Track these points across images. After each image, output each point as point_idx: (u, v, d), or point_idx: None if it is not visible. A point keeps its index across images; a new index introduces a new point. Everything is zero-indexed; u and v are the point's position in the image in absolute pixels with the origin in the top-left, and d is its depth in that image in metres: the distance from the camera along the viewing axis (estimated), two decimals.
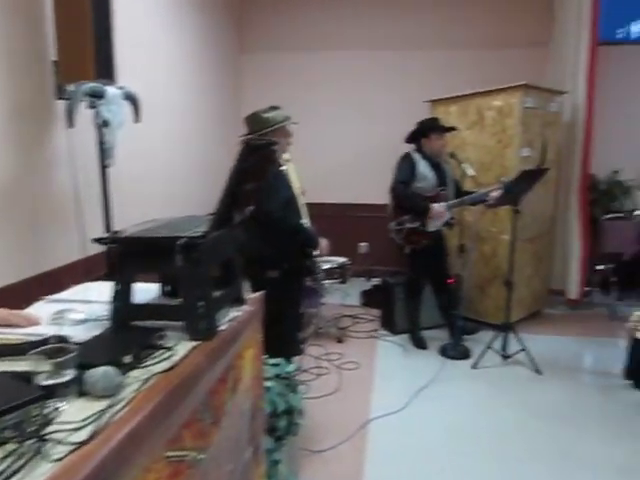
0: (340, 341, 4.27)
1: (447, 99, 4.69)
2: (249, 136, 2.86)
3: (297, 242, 2.90)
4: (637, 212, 5.17)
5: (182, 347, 1.23)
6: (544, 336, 4.39)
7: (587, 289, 5.11)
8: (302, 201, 3.08)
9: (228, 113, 5.54)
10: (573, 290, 5.02)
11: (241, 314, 1.51)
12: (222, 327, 1.37)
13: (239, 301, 1.58)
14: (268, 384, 2.16)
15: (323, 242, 3.07)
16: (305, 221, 3.06)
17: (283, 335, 2.97)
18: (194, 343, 1.26)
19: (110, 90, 2.53)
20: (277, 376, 2.24)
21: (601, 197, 5.28)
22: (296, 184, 3.07)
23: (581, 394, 3.41)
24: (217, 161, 4.80)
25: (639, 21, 5.75)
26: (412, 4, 5.77)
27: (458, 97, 4.60)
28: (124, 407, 0.97)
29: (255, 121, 2.88)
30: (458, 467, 2.63)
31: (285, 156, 3.06)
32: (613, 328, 4.40)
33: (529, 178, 3.80)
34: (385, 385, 3.52)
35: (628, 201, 5.38)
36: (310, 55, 5.97)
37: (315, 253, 3.02)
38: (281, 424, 2.16)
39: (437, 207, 3.85)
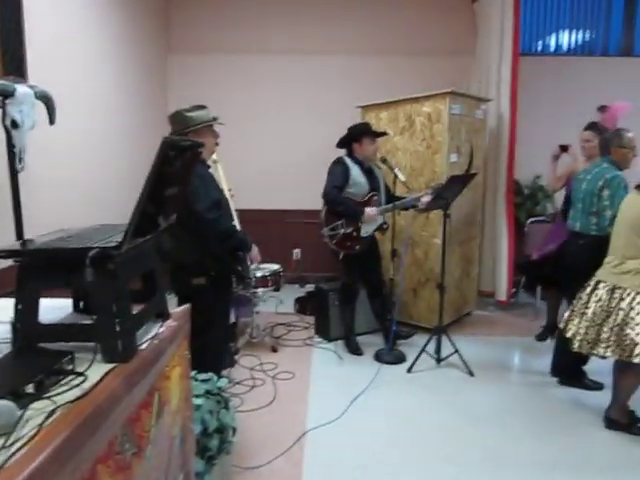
0: (275, 350, 4.17)
1: (378, 105, 4.71)
2: (171, 136, 2.71)
3: (227, 246, 2.77)
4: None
5: (96, 371, 1.10)
6: (475, 337, 4.49)
7: (514, 290, 5.27)
8: (231, 204, 2.97)
9: (154, 114, 5.32)
10: (502, 291, 5.17)
11: (165, 330, 1.39)
12: (143, 346, 1.24)
13: (162, 316, 1.45)
14: (198, 402, 2.03)
15: (254, 250, 2.97)
16: (236, 224, 2.95)
17: (212, 346, 2.84)
18: (110, 366, 1.13)
19: (20, 89, 2.31)
20: (208, 392, 2.12)
21: (525, 201, 5.49)
22: (225, 186, 2.96)
23: (511, 393, 3.49)
24: (143, 164, 4.57)
25: (555, 34, 6.06)
26: (343, 9, 5.80)
27: (388, 103, 4.63)
28: (23, 446, 0.84)
29: (178, 120, 2.72)
30: (395, 474, 2.60)
31: (213, 157, 2.94)
32: (539, 327, 4.55)
33: (458, 183, 3.87)
34: (321, 394, 3.45)
35: (549, 205, 5.63)
36: (241, 57, 5.85)
37: (247, 259, 2.90)
38: (213, 443, 2.03)
39: (370, 211, 3.84)
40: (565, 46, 6.07)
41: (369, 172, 4.01)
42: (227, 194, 2.97)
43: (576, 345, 3.02)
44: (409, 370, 3.79)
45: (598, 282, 2.99)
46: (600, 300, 2.93)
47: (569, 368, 3.55)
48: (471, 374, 3.72)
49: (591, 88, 5.61)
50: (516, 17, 4.91)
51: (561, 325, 3.18)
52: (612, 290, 2.88)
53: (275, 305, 5.23)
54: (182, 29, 5.84)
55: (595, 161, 3.55)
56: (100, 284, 1.11)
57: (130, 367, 1.16)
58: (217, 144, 2.92)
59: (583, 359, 3.35)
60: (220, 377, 2.46)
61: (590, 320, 2.95)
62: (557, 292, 4.33)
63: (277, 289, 4.08)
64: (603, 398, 3.20)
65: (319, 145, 5.20)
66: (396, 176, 3.89)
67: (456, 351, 3.83)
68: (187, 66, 5.86)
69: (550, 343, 4.33)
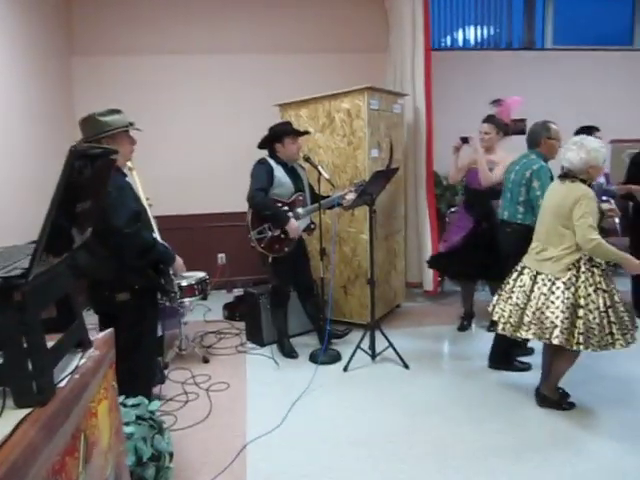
0: (206, 361, 4.00)
1: (297, 102, 4.65)
2: (84, 143, 2.48)
3: (150, 259, 2.59)
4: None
5: (7, 420, 0.95)
6: (407, 329, 4.54)
7: (440, 279, 5.40)
8: (150, 213, 2.78)
9: (60, 120, 4.96)
10: (428, 282, 5.28)
11: (87, 361, 1.24)
12: (62, 383, 1.10)
13: (83, 345, 1.30)
14: (129, 430, 1.88)
15: (178, 261, 2.80)
16: (156, 235, 2.77)
17: (141, 365, 2.66)
18: (24, 412, 0.98)
19: None
20: (139, 418, 1.96)
21: (445, 192, 5.64)
22: (142, 195, 2.77)
23: (446, 382, 3.55)
24: (52, 177, 4.24)
25: (462, 29, 6.26)
26: (257, 7, 5.67)
27: (307, 100, 4.57)
28: None
29: (90, 125, 2.48)
30: (342, 477, 2.55)
31: (128, 164, 2.75)
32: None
33: (382, 178, 3.88)
34: (259, 402, 3.35)
35: None
36: (151, 58, 5.57)
37: (170, 272, 2.73)
38: (149, 473, 1.88)
39: (293, 223, 3.77)
40: (472, 41, 6.30)
41: (293, 172, 3.94)
42: (145, 203, 2.78)
43: (500, 327, 3.11)
44: (345, 369, 3.76)
45: (523, 268, 3.09)
46: (524, 285, 3.02)
47: (500, 353, 3.66)
48: (406, 367, 3.75)
49: (498, 80, 5.85)
50: (426, 13, 5.02)
51: (489, 309, 3.26)
52: (535, 276, 2.98)
53: (203, 313, 5.05)
54: (87, 29, 5.47)
55: (525, 153, 3.60)
56: (5, 319, 0.96)
57: (49, 410, 1.01)
58: (132, 150, 2.73)
59: (515, 343, 3.44)
60: (151, 399, 2.31)
61: (514, 304, 3.04)
62: (470, 281, 4.47)
63: (204, 297, 3.91)
64: (533, 378, 3.33)
65: (240, 146, 5.05)
66: (320, 174, 3.84)
67: (390, 345, 3.84)
68: (95, 68, 5.49)
69: (475, 330, 4.49)
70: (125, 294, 2.55)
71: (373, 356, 3.88)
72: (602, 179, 4.85)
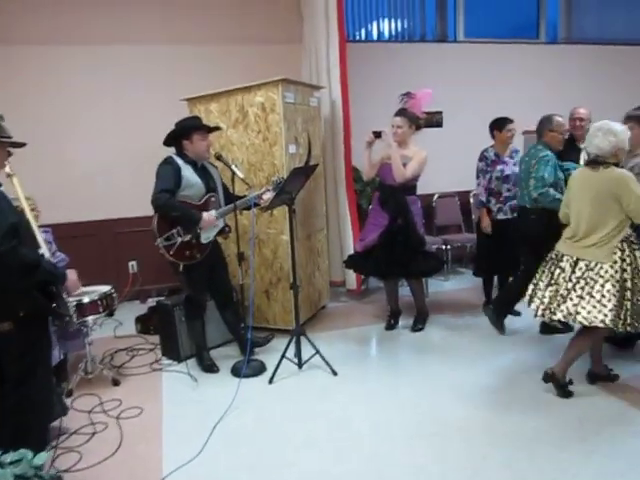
0: (117, 383, 3.61)
1: (206, 96, 4.32)
2: None
3: (34, 280, 2.20)
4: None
5: None
6: (333, 332, 4.38)
7: (363, 277, 5.27)
8: (35, 225, 2.39)
9: None
10: (352, 281, 5.14)
11: None
12: None
13: None
14: None
15: (71, 277, 2.43)
16: (43, 251, 2.37)
17: (33, 401, 2.29)
18: None
19: None
20: (19, 478, 1.61)
21: (365, 188, 5.51)
22: (24, 204, 2.38)
23: (374, 388, 3.39)
24: None
25: (377, 22, 6.17)
26: None
27: (218, 94, 4.26)
28: None
29: None
30: None
31: (6, 170, 2.35)
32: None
33: (301, 175, 3.67)
34: (176, 428, 3.03)
35: None
36: (46, 49, 5.00)
37: (62, 292, 2.35)
38: None
39: (207, 216, 3.48)
40: (387, 33, 6.21)
41: (204, 171, 3.63)
42: (28, 214, 2.38)
43: (539, 313, 3.10)
44: (271, 381, 3.52)
45: (562, 255, 3.08)
46: (564, 271, 3.02)
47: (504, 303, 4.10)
48: (334, 373, 3.57)
49: (414, 73, 5.80)
50: (340, 4, 4.85)
51: (526, 298, 3.22)
52: (575, 262, 2.98)
53: (113, 328, 4.63)
54: None
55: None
56: None
57: None
58: (10, 154, 2.34)
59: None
60: (47, 442, 1.96)
61: (554, 291, 3.03)
62: (393, 279, 4.35)
63: (111, 314, 3.52)
64: (470, 384, 3.25)
65: (146, 144, 4.65)
66: (234, 173, 3.56)
67: (317, 352, 3.65)
68: None
69: (400, 328, 4.38)
70: (7, 324, 2.17)
71: (300, 364, 3.67)
72: None
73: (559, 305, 2.97)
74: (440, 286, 5.51)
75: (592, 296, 2.87)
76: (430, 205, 6.04)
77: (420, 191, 4.30)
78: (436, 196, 6.14)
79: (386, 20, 6.17)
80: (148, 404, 3.31)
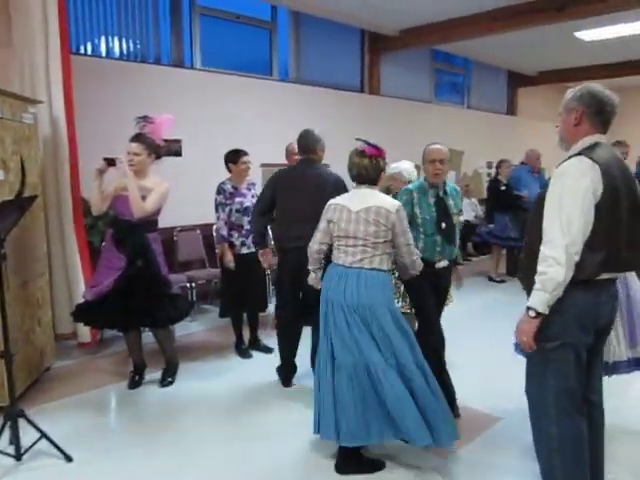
0: None
1: None
2: None
3: None
4: None
5: None
6: (63, 400, 3.56)
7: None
8: None
9: None
10: (84, 332, 4.34)
11: None
12: None
13: None
14: None
15: None
16: None
17: None
18: None
19: None
20: None
21: (96, 222, 4.74)
22: None
23: (121, 468, 2.79)
24: None
25: (105, 38, 5.52)
26: None
27: None
28: None
29: None
30: None
31: None
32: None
33: (13, 210, 2.87)
34: None
35: None
36: None
37: None
38: None
39: None
40: (117, 50, 5.60)
41: None
42: None
43: None
44: None
45: None
46: None
47: None
48: (69, 459, 2.82)
49: (149, 95, 5.34)
50: (62, 10, 4.14)
51: None
52: None
53: None
54: None
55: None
56: None
57: None
58: None
59: None
60: None
61: None
62: (135, 330, 3.78)
63: None
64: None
65: None
66: None
67: (43, 435, 2.84)
68: None
69: (147, 383, 3.81)
70: None
71: (18, 455, 2.80)
72: None
73: None
74: (186, 328, 5.04)
75: None
76: (171, 239, 5.58)
77: (160, 224, 3.83)
78: (177, 229, 5.72)
79: (116, 37, 5.56)
80: None
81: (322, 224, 2.85)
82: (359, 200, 2.72)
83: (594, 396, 2.28)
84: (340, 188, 3.32)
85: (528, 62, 10.16)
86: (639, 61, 9.24)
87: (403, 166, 3.96)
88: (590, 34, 7.72)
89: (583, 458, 2.15)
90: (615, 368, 2.82)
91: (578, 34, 7.73)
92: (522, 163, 7.46)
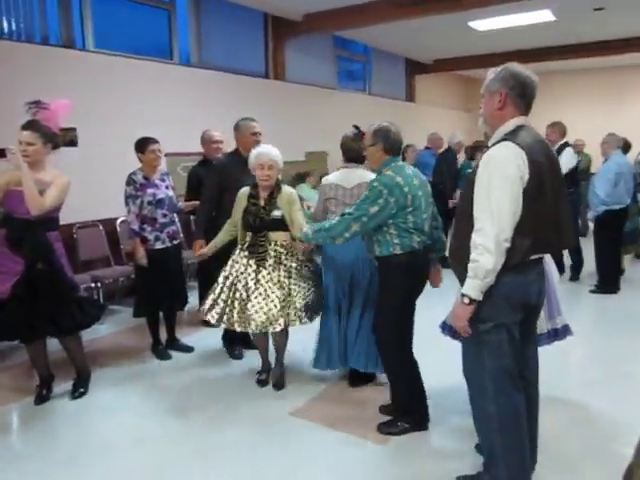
0: None
1: None
2: None
3: None
4: None
5: None
6: None
7: None
8: None
9: None
10: None
11: None
12: None
13: None
14: None
15: None
16: None
17: None
18: None
19: None
20: None
21: None
22: None
23: None
24: None
25: None
26: None
27: None
28: None
29: None
30: None
31: None
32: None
33: None
34: None
35: None
36: None
37: None
38: None
39: None
40: None
41: None
42: None
43: None
44: None
45: None
46: None
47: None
48: None
49: (37, 78, 4.83)
50: None
51: None
52: None
53: None
54: None
55: None
56: None
57: None
58: None
59: None
60: None
61: None
62: (39, 339, 3.40)
63: None
64: None
65: None
66: None
67: None
68: None
69: (56, 397, 3.46)
70: None
71: None
72: None
73: None
74: (95, 332, 4.62)
75: None
76: (71, 237, 5.13)
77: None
78: (77, 226, 5.26)
79: None
80: None
81: (319, 204, 3.44)
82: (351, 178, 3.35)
83: (530, 374, 2.37)
84: None
85: (424, 50, 10.51)
86: (528, 50, 9.86)
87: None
88: (483, 24, 8.10)
89: (522, 434, 2.22)
90: (537, 341, 2.96)
91: (472, 24, 8.08)
92: (427, 148, 7.70)
